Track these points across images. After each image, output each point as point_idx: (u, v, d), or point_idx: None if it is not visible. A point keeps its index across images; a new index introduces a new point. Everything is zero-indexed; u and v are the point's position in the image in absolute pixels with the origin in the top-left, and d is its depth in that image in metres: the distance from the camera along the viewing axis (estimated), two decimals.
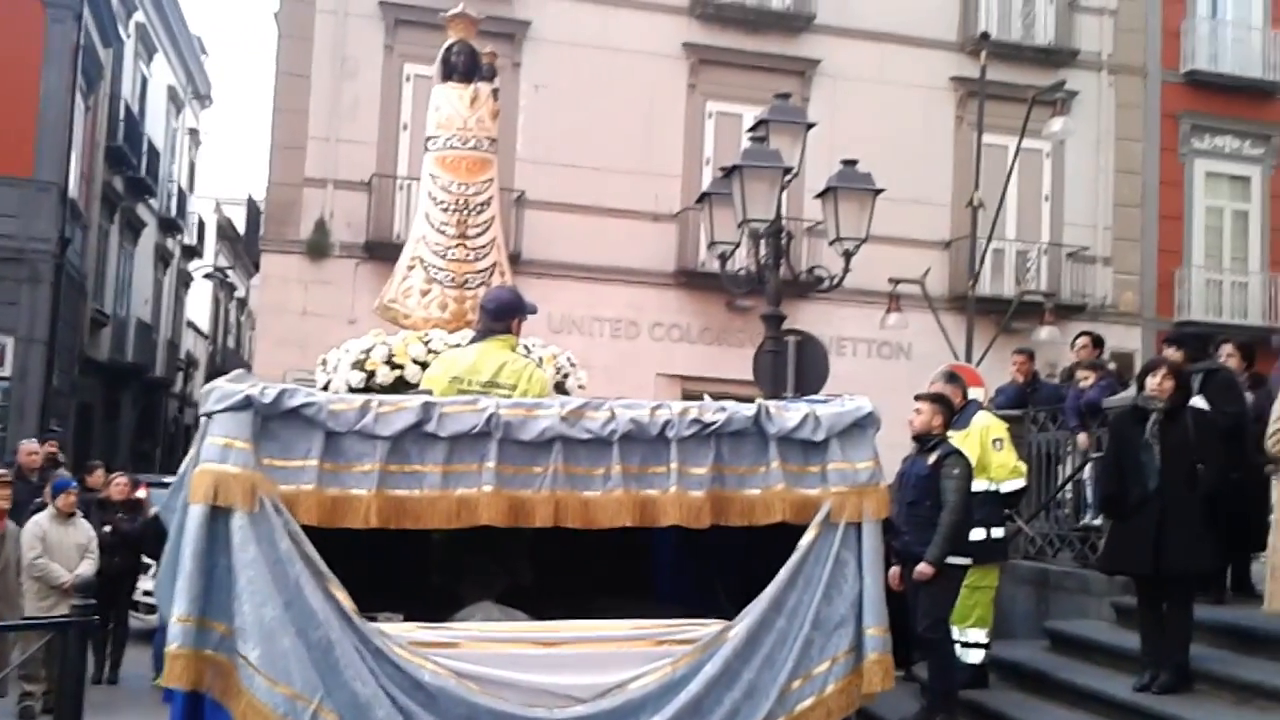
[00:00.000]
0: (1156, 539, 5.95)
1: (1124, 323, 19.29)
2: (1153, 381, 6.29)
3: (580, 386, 6.57)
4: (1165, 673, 6.06)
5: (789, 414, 4.03)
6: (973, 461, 6.98)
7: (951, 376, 7.66)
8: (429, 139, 7.04)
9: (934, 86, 19.05)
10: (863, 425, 4.05)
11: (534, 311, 5.11)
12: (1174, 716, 5.70)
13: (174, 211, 28.62)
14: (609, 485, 3.88)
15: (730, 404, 4.03)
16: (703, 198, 9.88)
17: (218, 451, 3.58)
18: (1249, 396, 7.26)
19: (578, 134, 17.31)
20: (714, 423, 3.96)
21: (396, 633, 3.73)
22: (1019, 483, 7.46)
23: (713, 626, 4.00)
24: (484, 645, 3.80)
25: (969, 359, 14.01)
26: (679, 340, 17.99)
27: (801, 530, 4.02)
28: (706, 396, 4.15)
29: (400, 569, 4.50)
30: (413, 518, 3.80)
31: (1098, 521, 8.67)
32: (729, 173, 8.92)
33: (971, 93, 17.53)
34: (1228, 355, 7.45)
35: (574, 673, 3.85)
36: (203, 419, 3.69)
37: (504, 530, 3.94)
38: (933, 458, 6.48)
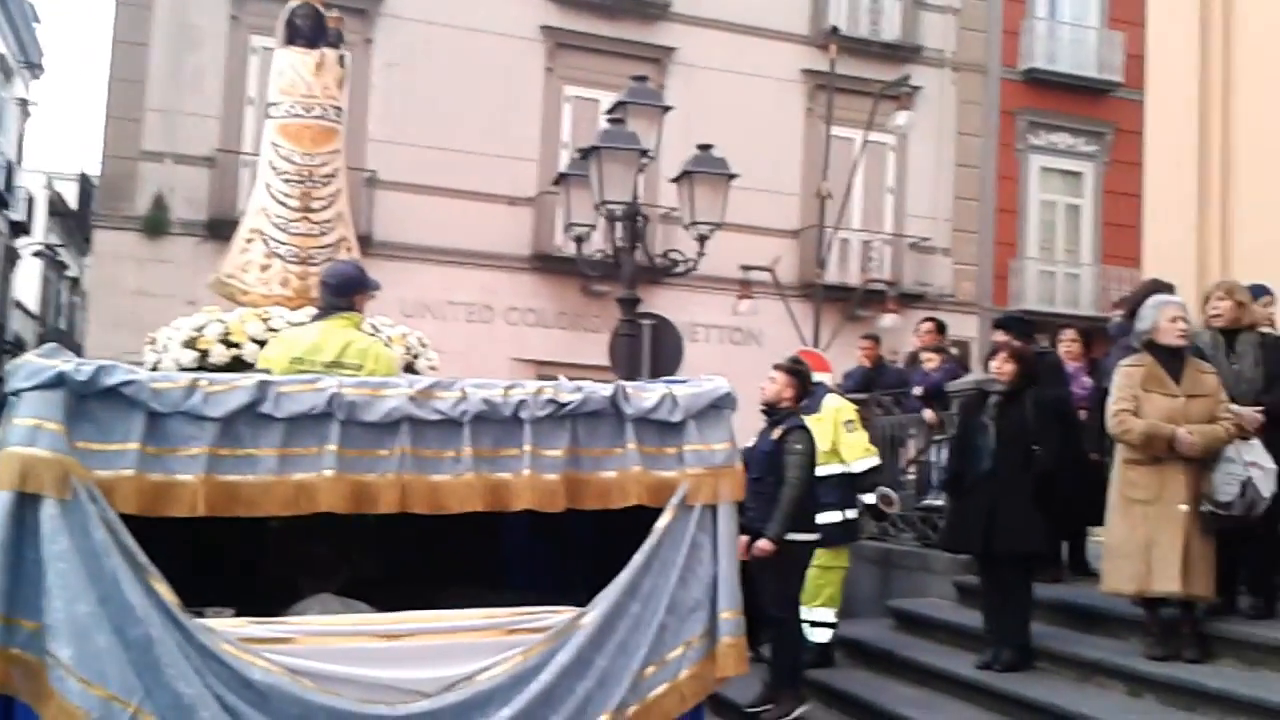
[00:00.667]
0: (988, 519, 6.06)
1: (962, 311, 19.92)
2: (994, 364, 6.43)
3: (432, 368, 6.37)
4: (1007, 650, 6.20)
5: (646, 395, 3.91)
6: (826, 445, 7.03)
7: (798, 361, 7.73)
8: (270, 105, 6.71)
9: (785, 78, 19.34)
10: (719, 406, 3.96)
11: (377, 288, 4.89)
12: (1016, 694, 5.83)
13: (1, 186, 26.98)
14: (459, 468, 3.70)
15: (586, 384, 3.89)
16: (560, 179, 9.75)
17: (26, 433, 3.25)
18: (1088, 381, 7.51)
19: (432, 114, 16.99)
20: (569, 403, 3.81)
21: (225, 628, 3.48)
22: (872, 461, 7.54)
23: (566, 614, 3.86)
24: (321, 640, 3.56)
25: (817, 345, 14.24)
26: (534, 325, 17.86)
27: (657, 513, 3.91)
28: (562, 378, 4.00)
29: (232, 560, 4.22)
30: (246, 505, 3.54)
31: (939, 502, 8.87)
32: (586, 154, 8.80)
33: (821, 85, 17.90)
34: (1070, 340, 7.69)
35: (419, 666, 3.66)
36: (10, 398, 3.37)
37: (346, 517, 3.72)
38: (777, 432, 6.46)
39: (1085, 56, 21.60)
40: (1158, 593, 5.50)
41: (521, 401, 3.79)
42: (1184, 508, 5.41)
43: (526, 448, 3.78)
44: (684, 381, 4.05)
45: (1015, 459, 6.11)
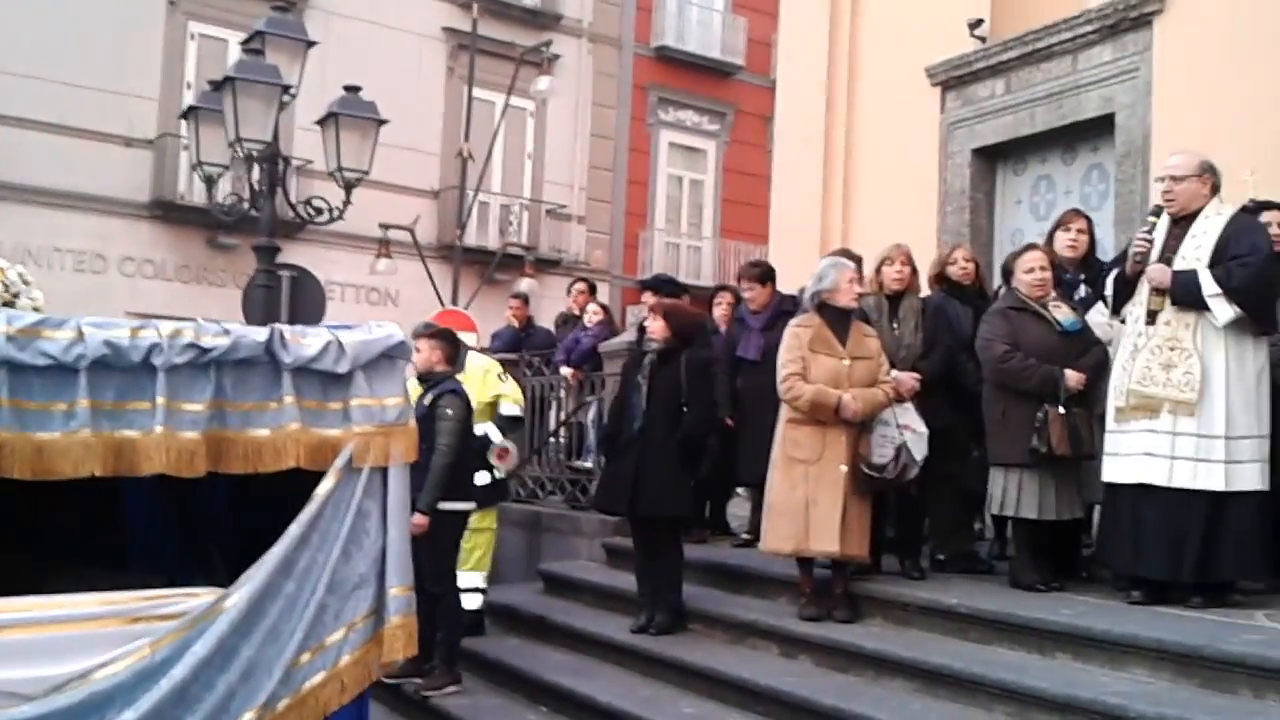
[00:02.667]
0: (635, 480, 5.99)
1: (594, 279, 20.16)
2: (648, 324, 6.35)
3: (36, 310, 5.40)
4: (661, 613, 6.14)
5: (308, 341, 3.40)
6: (479, 402, 6.73)
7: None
8: None
9: (426, 35, 18.86)
10: (392, 356, 3.53)
11: None
12: (672, 658, 5.76)
13: None
14: (73, 424, 3.05)
15: (236, 327, 3.33)
16: (189, 113, 8.69)
17: None
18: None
19: (37, 42, 15.12)
20: (214, 349, 3.24)
21: None
22: (515, 410, 7.30)
23: (205, 597, 3.31)
24: None
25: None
26: (153, 277, 16.55)
27: (317, 477, 3.43)
28: (200, 319, 3.40)
29: None
30: None
31: (589, 464, 8.81)
32: (219, 86, 7.88)
33: (462, 45, 17.59)
34: (727, 304, 7.78)
35: (19, 664, 3.01)
36: None
37: None
38: (429, 397, 6.07)
39: (711, 38, 22.48)
40: (815, 552, 5.58)
41: (154, 346, 3.20)
42: (844, 468, 5.51)
43: (160, 400, 3.19)
44: (351, 327, 3.57)
45: (665, 420, 6.05)
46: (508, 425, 7.18)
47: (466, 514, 6.34)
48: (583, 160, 20.84)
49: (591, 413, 8.82)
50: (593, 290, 9.63)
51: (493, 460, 6.94)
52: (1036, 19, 9.95)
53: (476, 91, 15.78)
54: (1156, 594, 5.01)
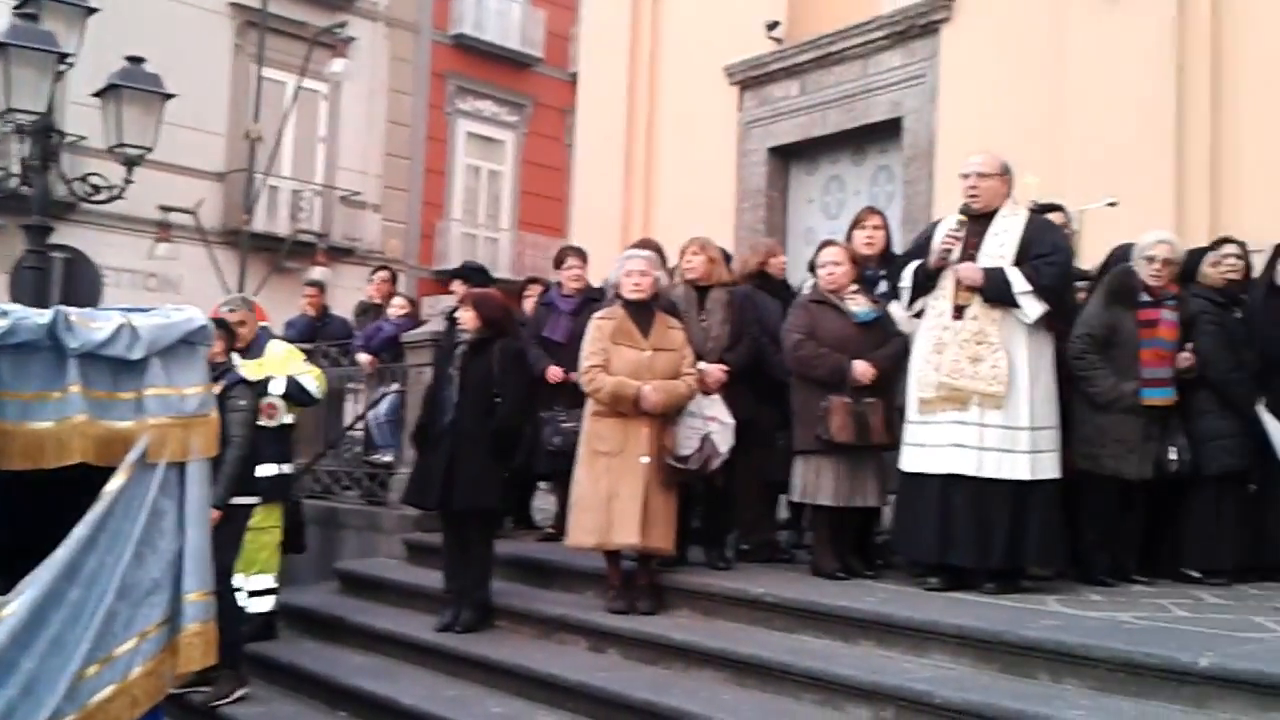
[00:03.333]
0: (447, 473, 5.85)
1: (390, 269, 19.73)
2: (460, 314, 6.22)
3: None
4: (467, 610, 6.01)
5: (97, 325, 3.12)
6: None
7: (245, 301, 7.01)
8: None
9: (211, 9, 17.92)
10: (193, 341, 3.29)
11: None
12: (477, 655, 5.63)
13: None
14: None
15: (15, 308, 3.03)
16: None
17: None
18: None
19: None
20: None
21: None
22: (315, 387, 6.94)
23: None
24: None
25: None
26: None
27: (106, 474, 3.16)
28: None
29: None
30: None
31: (389, 458, 8.55)
32: None
33: (251, 22, 16.89)
34: (536, 296, 7.69)
35: None
36: None
37: None
38: (218, 388, 5.75)
39: (510, 29, 22.28)
40: (617, 545, 5.55)
41: None
42: (645, 460, 5.51)
43: None
44: (147, 310, 3.30)
45: (478, 411, 5.93)
46: (300, 399, 6.81)
47: (250, 509, 6.06)
48: (378, 147, 20.29)
49: (384, 405, 8.54)
50: (395, 279, 9.33)
51: (260, 414, 6.51)
52: (831, 23, 10.26)
53: (267, 71, 15.22)
54: (953, 581, 5.22)
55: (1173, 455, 5.46)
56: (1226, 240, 5.92)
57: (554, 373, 6.71)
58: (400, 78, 20.67)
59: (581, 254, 7.34)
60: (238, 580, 6.29)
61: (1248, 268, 5.91)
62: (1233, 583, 5.40)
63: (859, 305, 5.77)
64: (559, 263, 7.31)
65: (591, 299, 6.78)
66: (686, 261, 6.10)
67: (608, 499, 5.50)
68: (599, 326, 5.70)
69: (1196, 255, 5.90)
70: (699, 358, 5.79)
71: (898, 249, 6.41)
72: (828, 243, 6.11)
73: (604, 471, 5.56)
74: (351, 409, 9.19)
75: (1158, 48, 7.90)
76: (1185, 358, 5.52)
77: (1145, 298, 5.56)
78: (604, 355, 5.60)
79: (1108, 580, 5.38)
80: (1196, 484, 5.56)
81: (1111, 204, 6.87)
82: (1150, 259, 5.58)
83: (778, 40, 10.66)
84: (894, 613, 4.78)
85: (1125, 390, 5.40)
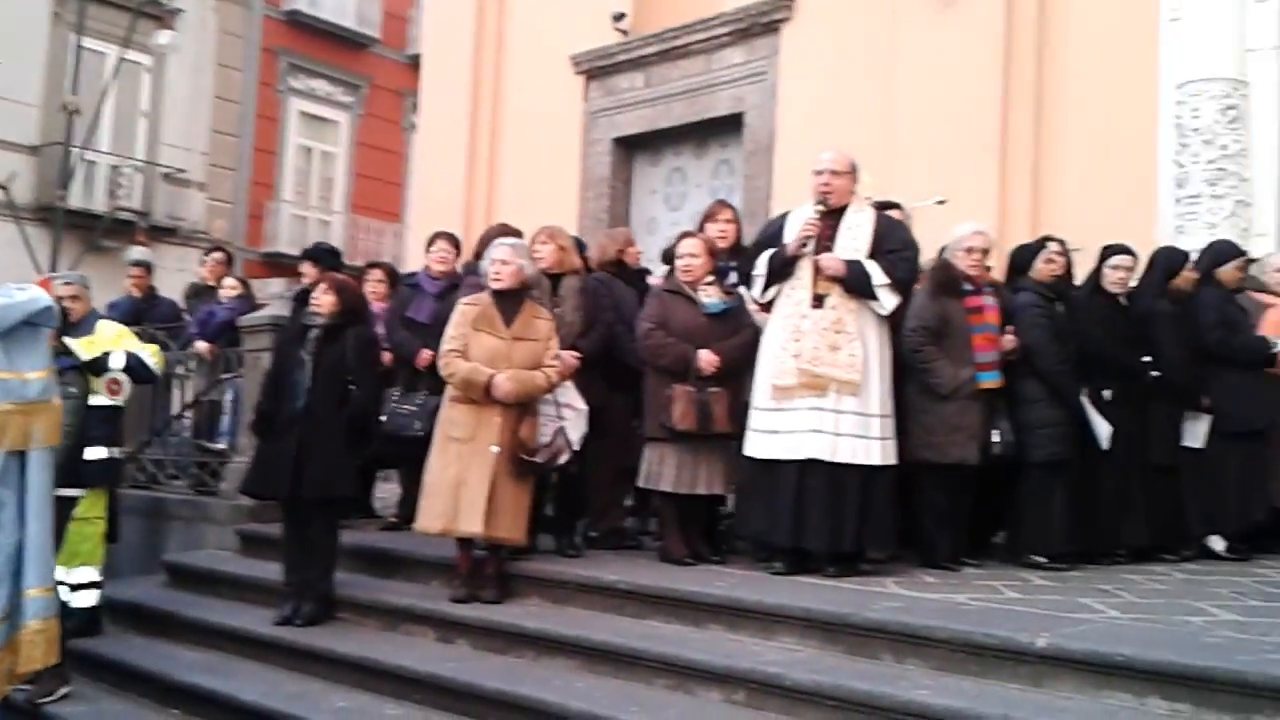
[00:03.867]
0: (296, 462, 5.71)
1: (224, 249, 19.02)
2: (315, 296, 6.06)
3: None
4: (308, 603, 5.85)
5: None
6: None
7: (82, 277, 6.63)
8: None
9: None
10: (36, 324, 3.11)
11: None
12: (320, 649, 5.48)
13: None
14: None
15: None
16: None
17: None
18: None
19: None
20: None
21: None
22: (154, 363, 6.63)
23: None
24: None
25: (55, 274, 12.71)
26: None
27: None
28: None
29: None
30: None
31: (221, 445, 8.25)
32: None
33: None
34: (376, 280, 7.55)
35: None
36: None
37: None
38: None
39: (345, 7, 21.73)
40: (462, 532, 5.50)
41: None
42: (495, 449, 5.47)
43: None
44: None
45: (330, 398, 5.79)
46: (141, 374, 6.49)
47: (75, 501, 5.79)
48: (204, 123, 19.50)
49: (230, 393, 8.24)
50: (230, 260, 8.99)
51: (103, 391, 6.16)
52: (676, 18, 10.40)
53: (86, 41, 14.43)
54: (796, 565, 5.36)
55: (996, 438, 5.68)
56: (1050, 239, 6.24)
57: (424, 357, 6.63)
58: (230, 52, 19.91)
59: (453, 239, 7.33)
60: (59, 574, 5.95)
61: (1069, 264, 6.25)
62: (1066, 567, 5.61)
63: (709, 296, 5.87)
64: (429, 245, 7.25)
65: (455, 285, 6.74)
66: (535, 251, 6.09)
67: (456, 485, 5.46)
68: (463, 312, 5.68)
69: (1026, 251, 6.21)
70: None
71: (746, 241, 6.55)
72: (687, 234, 6.18)
73: (455, 458, 5.52)
74: (178, 395, 8.81)
75: (986, 53, 8.30)
76: (1009, 340, 5.78)
77: (967, 286, 5.82)
78: (463, 341, 5.57)
79: (949, 565, 5.59)
80: (1025, 471, 5.81)
81: (940, 202, 7.16)
82: (970, 250, 5.84)
83: (624, 32, 10.73)
84: (743, 597, 4.86)
85: (964, 377, 5.63)
